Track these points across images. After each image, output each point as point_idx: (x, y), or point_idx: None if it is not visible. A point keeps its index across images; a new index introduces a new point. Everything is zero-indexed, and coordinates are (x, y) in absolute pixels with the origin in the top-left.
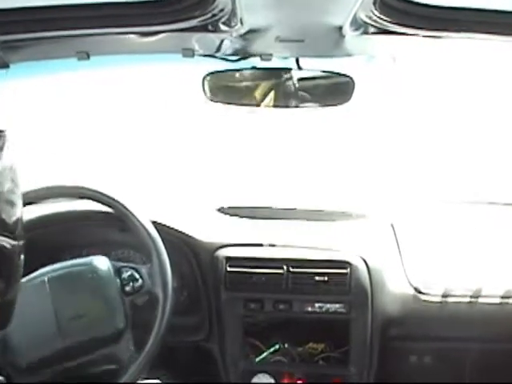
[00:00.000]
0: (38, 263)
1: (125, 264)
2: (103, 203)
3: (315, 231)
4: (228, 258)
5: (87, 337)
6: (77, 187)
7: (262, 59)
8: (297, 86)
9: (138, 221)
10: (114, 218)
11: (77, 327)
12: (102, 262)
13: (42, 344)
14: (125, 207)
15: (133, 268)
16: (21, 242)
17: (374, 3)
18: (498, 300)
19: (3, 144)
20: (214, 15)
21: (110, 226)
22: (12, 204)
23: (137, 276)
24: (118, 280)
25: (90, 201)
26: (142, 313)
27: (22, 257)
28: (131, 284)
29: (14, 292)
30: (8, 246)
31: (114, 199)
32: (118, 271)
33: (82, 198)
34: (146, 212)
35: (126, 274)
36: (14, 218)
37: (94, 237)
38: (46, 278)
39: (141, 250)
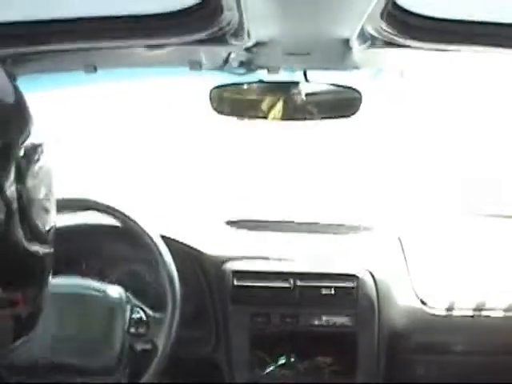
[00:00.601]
0: None
1: (138, 303)
2: (111, 216)
3: (322, 244)
4: (235, 272)
5: (75, 361)
6: (86, 200)
7: (269, 72)
8: (305, 98)
9: (146, 234)
10: (121, 231)
11: (69, 349)
12: (116, 294)
13: (29, 351)
14: (132, 220)
15: (144, 311)
16: (52, 249)
17: (381, 16)
18: (504, 313)
19: (40, 155)
20: (221, 28)
21: (118, 240)
22: (47, 211)
23: (145, 320)
24: (127, 318)
25: (99, 214)
26: (137, 357)
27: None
28: (137, 327)
29: (42, 299)
30: (41, 252)
31: (120, 212)
32: (130, 308)
33: (90, 210)
34: (154, 225)
35: (135, 315)
36: (48, 225)
37: (101, 250)
38: (57, 291)
39: (148, 264)
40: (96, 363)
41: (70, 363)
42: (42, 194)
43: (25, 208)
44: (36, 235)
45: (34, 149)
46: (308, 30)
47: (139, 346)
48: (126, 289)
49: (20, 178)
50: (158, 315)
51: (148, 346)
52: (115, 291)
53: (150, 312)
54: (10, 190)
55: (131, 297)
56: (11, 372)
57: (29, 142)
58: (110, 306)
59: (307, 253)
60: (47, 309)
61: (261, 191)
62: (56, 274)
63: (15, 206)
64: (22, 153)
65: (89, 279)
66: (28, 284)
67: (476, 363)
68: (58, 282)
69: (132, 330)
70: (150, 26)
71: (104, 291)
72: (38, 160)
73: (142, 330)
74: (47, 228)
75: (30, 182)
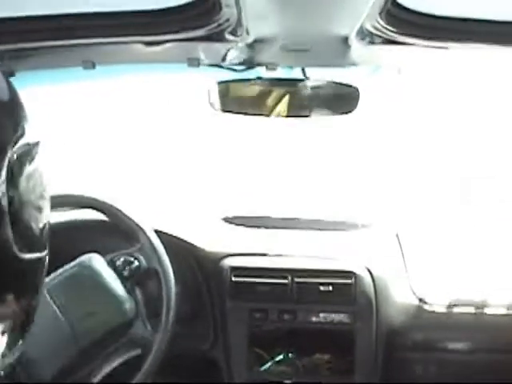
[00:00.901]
0: None
1: (115, 253)
2: (106, 213)
3: (320, 241)
4: (233, 268)
5: (101, 333)
6: (80, 196)
7: (268, 69)
8: (303, 95)
9: (131, 220)
10: (112, 225)
11: (88, 326)
12: (93, 258)
13: (59, 352)
14: (128, 217)
15: (124, 253)
16: (46, 254)
17: (380, 13)
18: (503, 310)
19: (34, 156)
20: (219, 25)
21: (109, 235)
22: (40, 213)
23: (131, 259)
24: (114, 269)
25: (93, 210)
26: (148, 290)
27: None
28: (127, 268)
29: (37, 302)
30: (34, 258)
31: (117, 209)
32: (111, 261)
33: (85, 207)
34: (150, 221)
35: (119, 261)
36: (41, 229)
37: (96, 246)
38: (44, 290)
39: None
40: (118, 320)
41: (96, 338)
42: (35, 196)
43: (16, 211)
44: (28, 239)
45: (28, 149)
46: (307, 27)
47: (141, 280)
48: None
49: (12, 180)
50: (139, 247)
51: (149, 274)
52: (90, 257)
53: (131, 250)
54: (1, 191)
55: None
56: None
57: (22, 141)
58: (94, 270)
59: (305, 249)
60: (47, 310)
61: (259, 188)
62: (49, 271)
63: (6, 208)
64: (15, 153)
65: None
66: (20, 290)
67: (475, 361)
68: (47, 279)
69: (125, 273)
70: (148, 22)
71: (81, 263)
72: (32, 160)
73: (133, 267)
74: (40, 231)
75: (22, 184)
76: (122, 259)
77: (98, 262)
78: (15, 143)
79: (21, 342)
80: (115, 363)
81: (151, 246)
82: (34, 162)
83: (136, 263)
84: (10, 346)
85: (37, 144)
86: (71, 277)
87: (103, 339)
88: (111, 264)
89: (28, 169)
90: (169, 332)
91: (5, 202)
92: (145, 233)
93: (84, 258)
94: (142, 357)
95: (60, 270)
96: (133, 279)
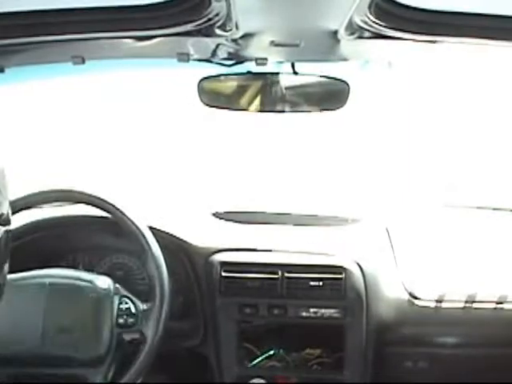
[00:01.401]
0: (32, 268)
1: (126, 293)
2: (99, 207)
3: (310, 236)
4: (223, 263)
5: (65, 352)
6: (72, 191)
7: (257, 64)
8: (293, 90)
9: (134, 225)
10: (109, 222)
11: (59, 340)
12: (105, 284)
13: (20, 342)
14: (121, 211)
15: (132, 302)
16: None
17: (370, 7)
18: (492, 305)
19: None
20: (209, 19)
21: (106, 231)
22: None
23: (133, 311)
24: (115, 308)
25: (86, 205)
26: (126, 348)
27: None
28: (125, 317)
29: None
30: None
31: (109, 203)
32: (118, 299)
33: (77, 202)
34: (141, 216)
35: (124, 306)
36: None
37: (89, 241)
38: (47, 281)
39: (136, 256)
40: (84, 354)
41: (58, 354)
42: None
43: None
44: None
45: None
46: (296, 21)
47: (128, 337)
48: (115, 280)
49: None
50: (146, 306)
51: (136, 336)
52: (103, 281)
53: (138, 303)
54: None
55: (120, 288)
56: None
57: None
58: (97, 296)
59: (295, 244)
60: (35, 299)
61: (249, 183)
62: (45, 265)
63: None
64: None
65: (77, 270)
66: None
67: (465, 355)
68: (46, 273)
69: (120, 320)
70: (138, 17)
71: (91, 281)
72: None
73: (130, 321)
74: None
75: None
76: (127, 306)
77: (106, 291)
78: None
79: None
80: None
81: (158, 317)
82: None
83: (134, 319)
84: None
85: None
86: (75, 288)
87: (62, 360)
88: (116, 302)
89: None
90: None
91: None
92: (148, 243)
93: (98, 278)
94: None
95: (69, 273)
96: (122, 330)
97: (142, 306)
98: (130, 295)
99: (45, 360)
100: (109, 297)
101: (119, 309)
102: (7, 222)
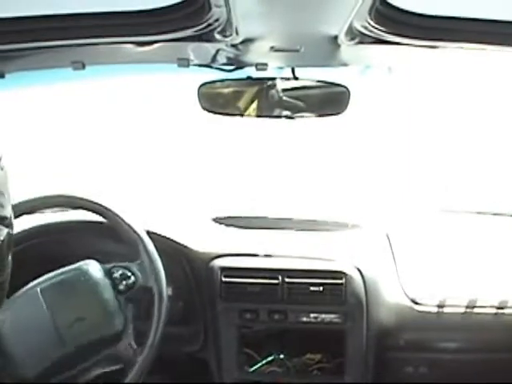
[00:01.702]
0: (32, 274)
1: (114, 264)
2: (97, 213)
3: (310, 241)
4: (223, 269)
5: (86, 340)
6: (71, 197)
7: (258, 69)
8: (293, 96)
9: (132, 230)
10: (110, 228)
11: (76, 332)
12: (91, 266)
13: (44, 354)
14: (120, 218)
15: (123, 267)
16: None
17: (370, 13)
18: (493, 310)
19: None
20: (209, 25)
21: (107, 237)
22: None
23: (128, 273)
24: (110, 280)
25: (85, 211)
26: (139, 307)
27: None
28: (124, 282)
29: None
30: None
31: (107, 209)
32: (108, 272)
33: (76, 207)
34: (141, 222)
35: (117, 274)
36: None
37: (88, 247)
38: (38, 289)
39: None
40: (105, 332)
41: (83, 343)
42: None
43: None
44: None
45: None
46: (296, 26)
47: (135, 297)
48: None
49: None
50: (138, 263)
51: (143, 292)
52: (87, 263)
53: (130, 264)
54: None
55: (105, 263)
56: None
57: None
58: (89, 277)
59: (295, 249)
60: (36, 310)
61: (250, 188)
62: (41, 270)
63: None
64: None
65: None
66: None
67: (465, 361)
68: (32, 285)
69: (121, 287)
70: (138, 22)
71: (76, 268)
72: None
73: (130, 282)
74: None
75: None
76: (120, 272)
77: (95, 269)
78: None
79: None
80: (96, 373)
81: (151, 264)
82: None
83: (132, 279)
84: None
85: None
86: (67, 280)
87: (88, 347)
88: (108, 274)
89: None
90: (153, 353)
91: None
92: (146, 248)
93: (82, 263)
94: (123, 371)
95: (57, 272)
96: (127, 294)
97: (135, 265)
98: (118, 263)
99: (72, 358)
100: (100, 273)
101: (114, 278)
102: (10, 225)
